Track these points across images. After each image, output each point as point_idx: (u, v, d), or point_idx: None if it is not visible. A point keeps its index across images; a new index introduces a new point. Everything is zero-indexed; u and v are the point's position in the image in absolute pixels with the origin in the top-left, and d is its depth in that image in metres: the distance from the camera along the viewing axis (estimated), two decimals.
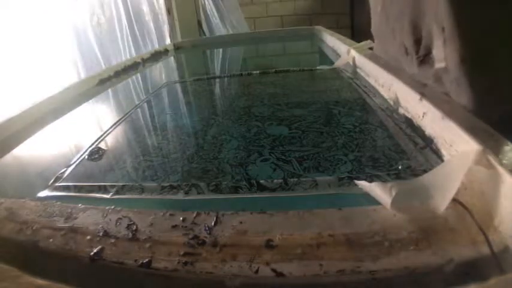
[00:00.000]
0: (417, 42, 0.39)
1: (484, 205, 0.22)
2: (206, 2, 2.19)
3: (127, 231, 0.23)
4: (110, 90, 0.76)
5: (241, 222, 0.23)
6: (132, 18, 1.52)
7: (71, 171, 0.37)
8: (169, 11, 1.62)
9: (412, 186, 0.24)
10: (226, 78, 0.81)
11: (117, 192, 0.32)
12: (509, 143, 0.24)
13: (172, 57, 1.18)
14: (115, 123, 0.52)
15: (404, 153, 0.34)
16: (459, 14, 0.31)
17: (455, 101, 0.35)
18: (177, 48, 1.28)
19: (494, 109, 0.33)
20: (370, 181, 0.27)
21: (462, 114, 0.30)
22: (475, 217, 0.22)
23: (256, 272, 0.19)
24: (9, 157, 0.44)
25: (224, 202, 0.30)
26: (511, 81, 0.33)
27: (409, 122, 0.40)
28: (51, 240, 0.23)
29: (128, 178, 0.35)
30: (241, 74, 0.80)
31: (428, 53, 0.39)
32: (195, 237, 0.22)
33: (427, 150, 0.34)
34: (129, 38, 1.49)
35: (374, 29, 0.54)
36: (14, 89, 0.90)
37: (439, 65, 0.37)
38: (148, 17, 1.65)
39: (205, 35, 2.05)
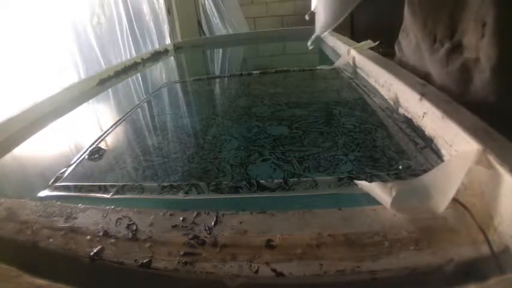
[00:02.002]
0: (452, 33, 0.43)
1: (484, 205, 0.22)
2: (206, 2, 2.19)
3: (127, 231, 0.23)
4: (110, 90, 0.76)
5: (241, 222, 0.23)
6: (132, 18, 1.52)
7: (71, 171, 0.37)
8: (169, 11, 1.62)
9: (412, 186, 0.24)
10: (226, 78, 0.81)
11: (117, 192, 0.32)
12: (509, 143, 0.24)
13: (172, 57, 1.18)
14: (115, 123, 0.52)
15: (404, 153, 0.34)
16: (502, 13, 0.37)
17: (477, 89, 0.39)
18: (177, 48, 1.28)
19: None
20: (370, 181, 0.27)
21: (462, 114, 0.30)
22: (475, 217, 0.22)
23: (256, 272, 0.19)
24: (9, 157, 0.44)
25: (224, 202, 0.30)
26: None
27: (409, 122, 0.40)
28: (51, 240, 0.23)
29: (128, 178, 0.35)
30: (241, 74, 0.80)
31: (459, 44, 0.43)
32: (195, 237, 0.22)
33: (427, 150, 0.34)
34: (129, 38, 1.48)
35: (405, 19, 0.56)
36: (14, 89, 0.90)
37: (469, 55, 0.41)
38: (148, 17, 1.64)
39: (205, 35, 2.05)
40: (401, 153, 0.35)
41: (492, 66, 0.38)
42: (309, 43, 0.42)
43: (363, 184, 0.27)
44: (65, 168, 0.38)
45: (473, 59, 0.40)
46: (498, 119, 0.28)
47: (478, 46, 0.39)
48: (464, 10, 0.40)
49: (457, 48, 0.43)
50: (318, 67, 0.77)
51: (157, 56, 1.11)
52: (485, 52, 0.38)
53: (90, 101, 0.68)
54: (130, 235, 0.23)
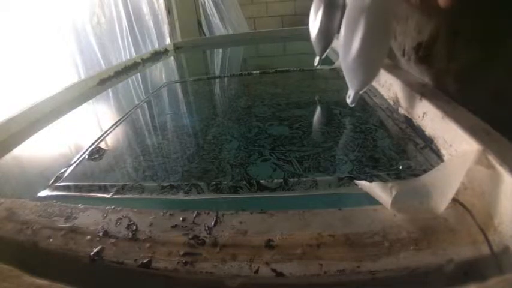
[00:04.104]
0: (419, 44, 0.41)
1: (484, 205, 0.22)
2: (206, 2, 2.19)
3: (127, 231, 0.23)
4: (110, 90, 0.76)
5: (241, 222, 0.23)
6: (132, 18, 1.52)
7: (71, 171, 0.37)
8: (169, 11, 1.62)
9: (412, 186, 0.24)
10: (226, 78, 0.81)
11: (117, 192, 0.32)
12: (509, 143, 0.24)
13: (172, 57, 1.18)
14: (115, 123, 0.52)
15: (404, 153, 0.34)
16: (477, 22, 0.34)
17: (454, 99, 0.37)
18: (177, 48, 1.28)
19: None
20: (370, 181, 0.27)
21: (462, 114, 0.30)
22: (475, 217, 0.22)
23: (256, 272, 0.19)
24: (9, 157, 0.44)
25: (224, 202, 0.30)
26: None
27: (409, 122, 0.40)
28: (51, 240, 0.23)
29: (128, 178, 0.35)
30: (242, 74, 0.80)
31: (428, 54, 0.40)
32: (195, 237, 0.22)
33: (427, 150, 0.34)
34: (129, 38, 1.48)
35: None
36: (14, 89, 0.90)
37: (440, 65, 0.39)
38: (148, 17, 1.64)
39: (205, 35, 2.05)
40: (401, 153, 0.35)
41: (463, 76, 0.37)
42: (349, 101, 0.39)
43: (363, 184, 0.27)
44: (65, 168, 0.38)
45: (444, 69, 0.39)
46: None
47: (449, 56, 0.38)
48: (433, 20, 0.39)
49: (426, 59, 0.41)
50: (318, 67, 0.77)
51: (157, 56, 1.11)
52: (457, 61, 0.37)
53: (90, 101, 0.68)
54: (130, 235, 0.23)
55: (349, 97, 0.40)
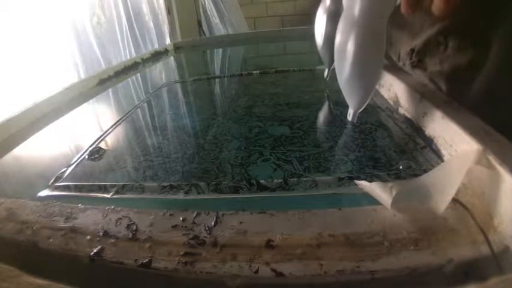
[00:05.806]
0: (411, 50, 0.43)
1: (484, 205, 0.22)
2: (206, 2, 2.19)
3: (127, 231, 0.23)
4: (110, 90, 0.76)
5: (241, 222, 0.23)
6: (132, 18, 1.52)
7: (71, 170, 0.37)
8: (169, 11, 1.62)
9: (412, 186, 0.24)
10: (226, 78, 0.81)
11: (117, 192, 0.32)
12: (509, 143, 0.24)
13: (172, 57, 1.18)
14: (115, 123, 0.52)
15: (404, 153, 0.34)
16: (468, 22, 0.36)
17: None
18: (177, 48, 1.28)
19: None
20: (370, 181, 0.27)
21: (462, 114, 0.30)
22: (475, 217, 0.22)
23: (256, 272, 0.19)
24: (9, 157, 0.44)
25: (224, 202, 0.30)
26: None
27: (409, 122, 0.40)
28: (51, 240, 0.23)
29: (128, 178, 0.35)
30: (242, 74, 0.80)
31: (420, 59, 0.42)
32: (195, 237, 0.22)
33: (427, 150, 0.34)
34: (129, 38, 1.48)
35: None
36: (14, 89, 0.90)
37: (433, 68, 0.41)
38: (148, 17, 1.64)
39: (205, 35, 2.05)
40: (401, 153, 0.35)
41: (455, 77, 0.38)
42: (350, 118, 0.38)
43: (363, 184, 0.27)
44: (65, 168, 0.38)
45: (437, 71, 0.40)
46: None
47: (442, 58, 0.39)
48: (425, 25, 0.39)
49: (420, 64, 0.42)
50: (317, 67, 0.77)
51: (157, 56, 1.11)
52: (450, 62, 0.38)
53: (90, 101, 0.68)
54: (130, 235, 0.23)
55: (349, 115, 0.40)
